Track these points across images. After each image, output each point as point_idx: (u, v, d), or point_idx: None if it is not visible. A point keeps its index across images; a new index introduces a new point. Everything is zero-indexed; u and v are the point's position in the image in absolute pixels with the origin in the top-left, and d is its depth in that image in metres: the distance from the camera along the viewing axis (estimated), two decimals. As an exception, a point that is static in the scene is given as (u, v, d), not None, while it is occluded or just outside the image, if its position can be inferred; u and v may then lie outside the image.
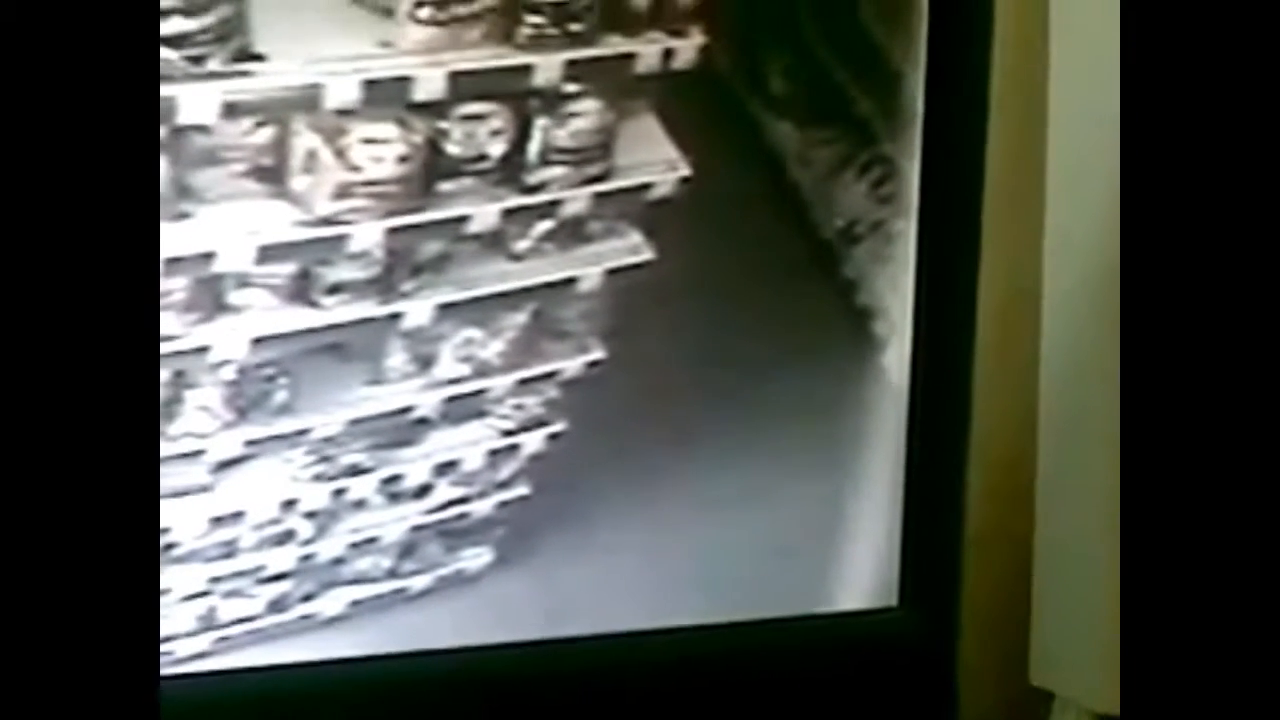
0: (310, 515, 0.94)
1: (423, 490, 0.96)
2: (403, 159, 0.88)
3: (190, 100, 0.83)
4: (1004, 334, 1.14)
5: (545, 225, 0.93)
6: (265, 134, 0.86)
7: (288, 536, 0.94)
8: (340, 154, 0.87)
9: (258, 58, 0.84)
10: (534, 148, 0.91)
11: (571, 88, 0.90)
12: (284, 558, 0.94)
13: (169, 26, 0.82)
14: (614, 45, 0.91)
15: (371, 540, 0.96)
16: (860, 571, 1.03)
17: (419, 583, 0.97)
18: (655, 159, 0.94)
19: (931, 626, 1.03)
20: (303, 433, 0.92)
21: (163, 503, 0.90)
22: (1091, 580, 1.07)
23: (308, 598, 0.95)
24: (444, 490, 0.97)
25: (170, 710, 0.90)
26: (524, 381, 0.96)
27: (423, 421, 0.95)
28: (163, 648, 0.92)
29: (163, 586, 0.91)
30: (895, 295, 1.00)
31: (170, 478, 0.90)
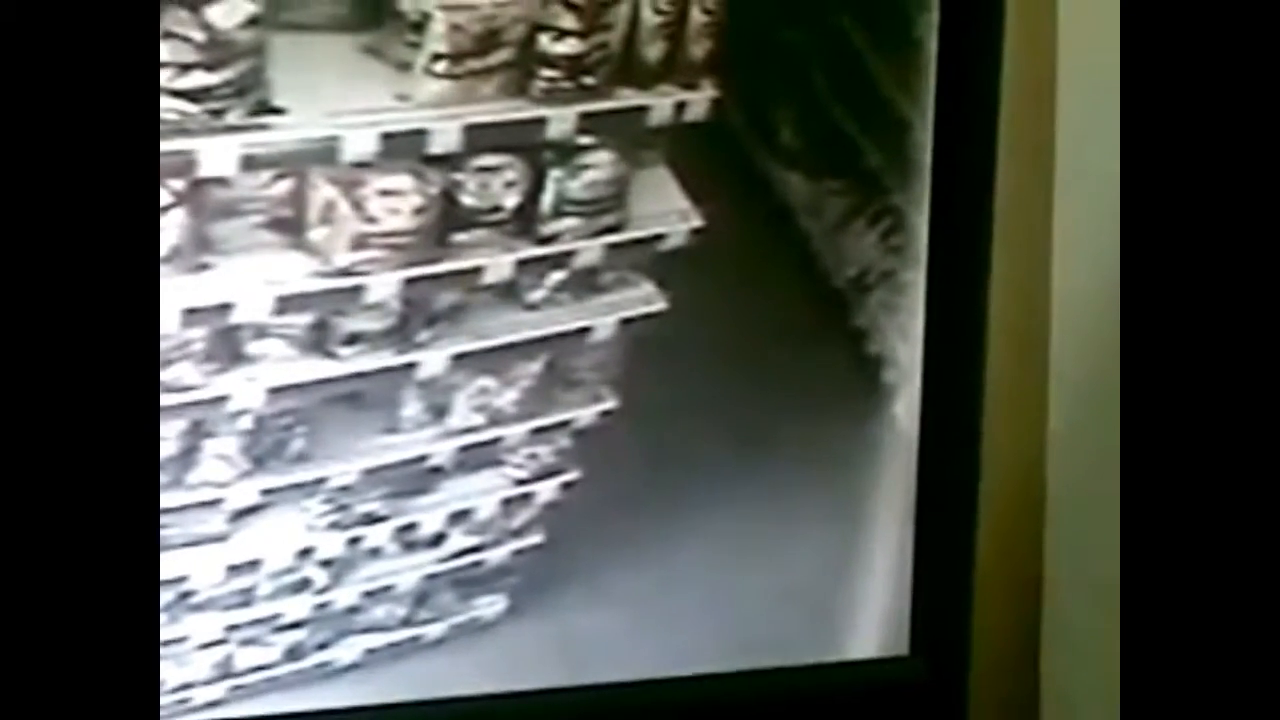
0: (326, 564, 0.94)
1: (437, 539, 0.97)
2: (419, 210, 0.89)
3: (210, 153, 0.84)
4: (1013, 381, 1.15)
5: (559, 275, 0.94)
6: (283, 186, 0.87)
7: (304, 585, 0.94)
8: (357, 205, 0.88)
9: (276, 111, 0.85)
10: (548, 199, 0.92)
11: (585, 140, 0.91)
12: (300, 606, 0.94)
13: (189, 81, 0.83)
14: (627, 98, 0.92)
15: (386, 589, 0.96)
16: (871, 620, 1.04)
17: (434, 631, 0.98)
18: (668, 210, 0.95)
19: (942, 674, 1.03)
20: (319, 481, 0.93)
21: (180, 551, 0.91)
22: (1103, 626, 1.07)
23: (323, 646, 0.96)
24: (458, 539, 0.97)
25: (187, 758, 0.91)
26: (538, 430, 0.97)
27: (437, 470, 0.95)
28: (180, 695, 0.92)
29: (180, 634, 0.92)
30: (905, 344, 1.01)
31: (188, 526, 0.91)
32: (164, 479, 0.89)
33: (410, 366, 0.92)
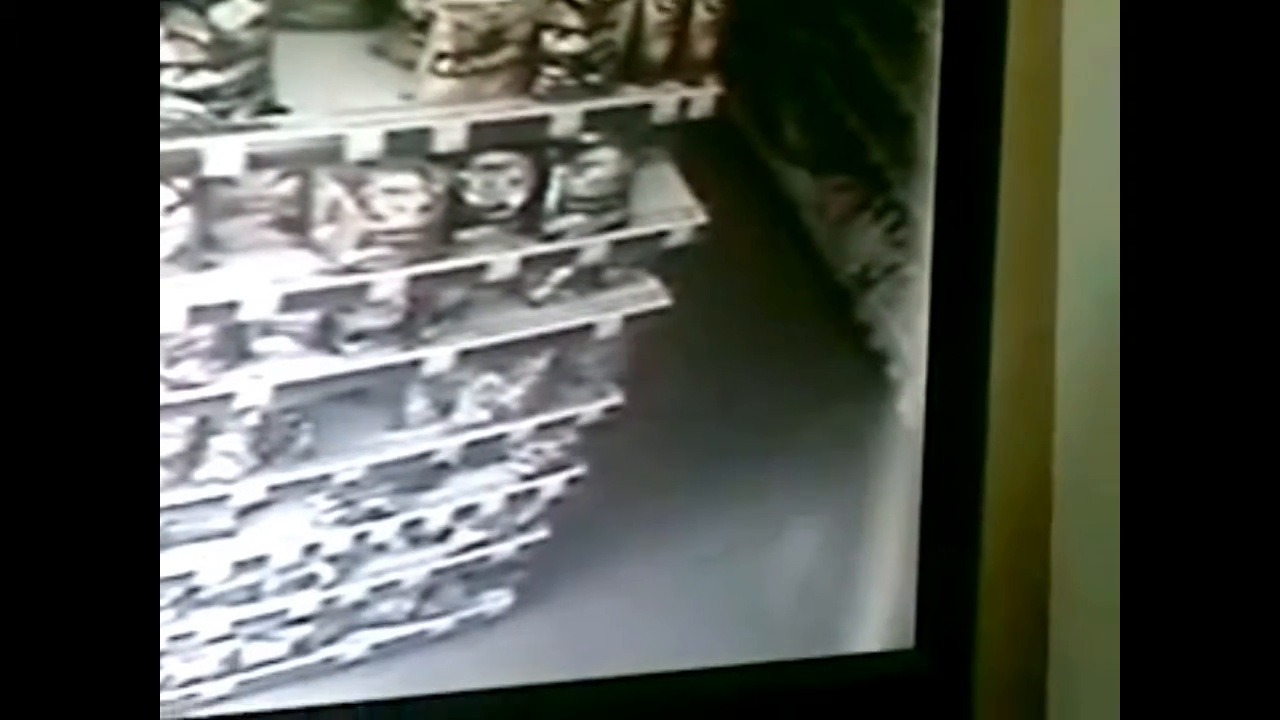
0: (333, 559, 0.95)
1: (443, 534, 0.97)
2: (424, 208, 0.89)
3: (216, 152, 0.84)
4: (1018, 376, 1.15)
5: (564, 272, 0.94)
6: (289, 185, 0.87)
7: (310, 580, 0.95)
8: (362, 204, 0.88)
9: (282, 110, 0.85)
10: (552, 196, 0.92)
11: (589, 137, 0.92)
12: (307, 601, 0.95)
13: (195, 81, 0.83)
14: (631, 95, 0.92)
15: (393, 584, 0.97)
16: (876, 613, 1.04)
17: (440, 625, 0.98)
18: (672, 207, 0.95)
19: (947, 668, 1.04)
20: (325, 478, 0.93)
21: (188, 547, 0.91)
22: (1109, 622, 1.07)
23: (330, 641, 0.96)
24: (464, 534, 0.98)
25: (195, 753, 0.92)
26: (543, 426, 0.97)
27: (443, 466, 0.96)
28: (188, 690, 0.93)
29: (188, 630, 0.92)
30: (909, 339, 1.01)
31: (195, 523, 0.91)
32: (171, 476, 0.90)
33: (416, 363, 0.92)
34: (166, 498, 0.90)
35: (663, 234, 0.95)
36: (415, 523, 0.96)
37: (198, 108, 0.83)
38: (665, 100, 0.92)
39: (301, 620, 0.95)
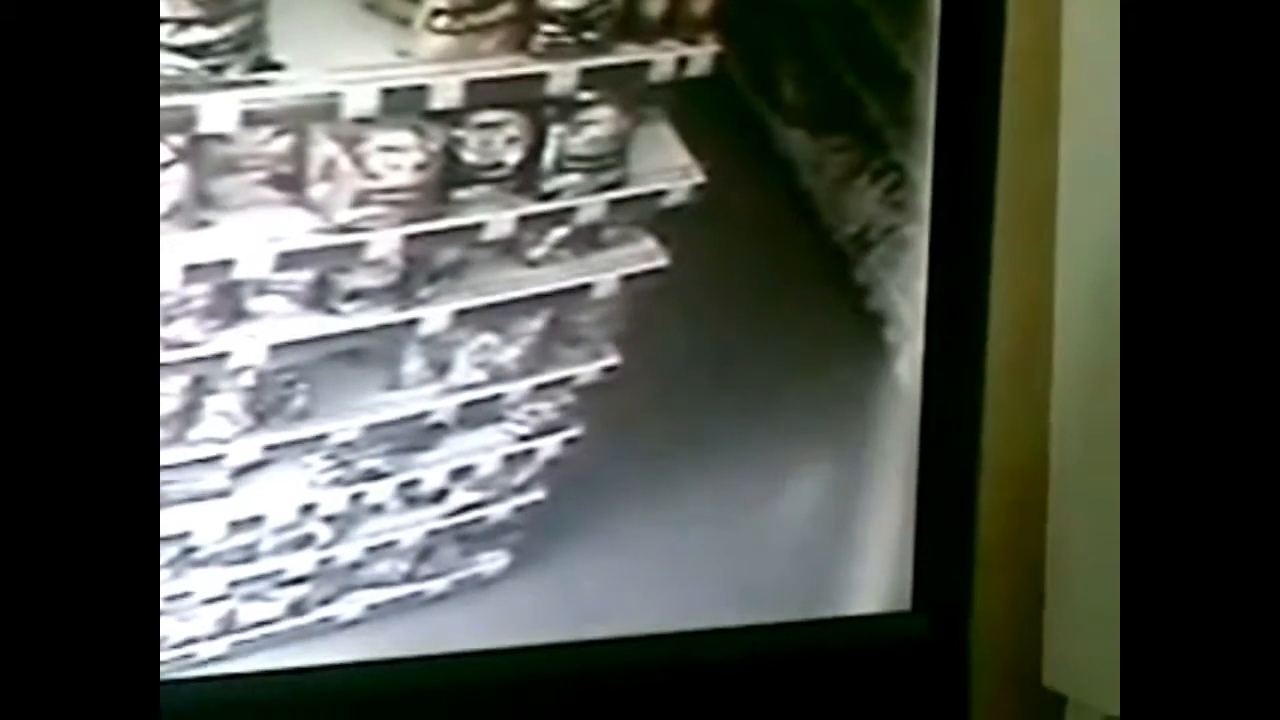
0: (328, 520, 0.95)
1: (440, 495, 0.97)
2: (420, 167, 0.89)
3: (210, 109, 0.84)
4: (1016, 341, 1.15)
5: (561, 232, 0.94)
6: (284, 142, 0.87)
7: (306, 541, 0.95)
8: (358, 162, 0.87)
9: (276, 67, 0.85)
10: (549, 155, 0.92)
11: (586, 95, 0.91)
12: (302, 562, 0.95)
13: (188, 36, 0.82)
14: (628, 53, 0.91)
15: (389, 544, 0.97)
16: (873, 576, 1.04)
17: (436, 586, 0.98)
18: (669, 166, 0.94)
19: (944, 631, 1.04)
20: (321, 438, 0.93)
21: (183, 507, 0.91)
22: (1104, 583, 1.07)
23: (326, 601, 0.96)
24: (461, 495, 0.97)
25: (189, 712, 0.92)
26: (540, 387, 0.97)
27: (439, 427, 0.96)
28: (183, 650, 0.93)
29: (183, 590, 0.92)
30: (907, 301, 1.01)
31: (190, 483, 0.91)
32: (166, 435, 0.89)
33: (412, 323, 0.92)
34: (161, 457, 0.90)
35: (660, 193, 0.94)
36: (411, 483, 0.96)
37: (191, 63, 0.83)
38: (663, 58, 0.92)
39: (297, 580, 0.95)
